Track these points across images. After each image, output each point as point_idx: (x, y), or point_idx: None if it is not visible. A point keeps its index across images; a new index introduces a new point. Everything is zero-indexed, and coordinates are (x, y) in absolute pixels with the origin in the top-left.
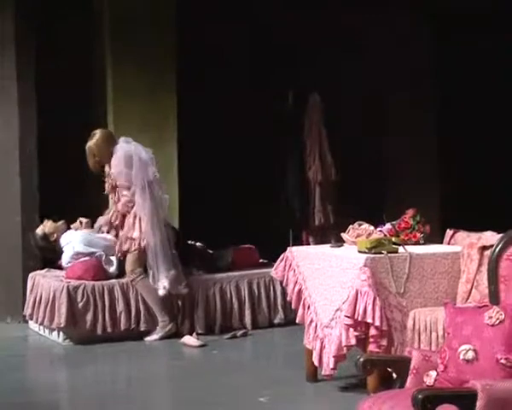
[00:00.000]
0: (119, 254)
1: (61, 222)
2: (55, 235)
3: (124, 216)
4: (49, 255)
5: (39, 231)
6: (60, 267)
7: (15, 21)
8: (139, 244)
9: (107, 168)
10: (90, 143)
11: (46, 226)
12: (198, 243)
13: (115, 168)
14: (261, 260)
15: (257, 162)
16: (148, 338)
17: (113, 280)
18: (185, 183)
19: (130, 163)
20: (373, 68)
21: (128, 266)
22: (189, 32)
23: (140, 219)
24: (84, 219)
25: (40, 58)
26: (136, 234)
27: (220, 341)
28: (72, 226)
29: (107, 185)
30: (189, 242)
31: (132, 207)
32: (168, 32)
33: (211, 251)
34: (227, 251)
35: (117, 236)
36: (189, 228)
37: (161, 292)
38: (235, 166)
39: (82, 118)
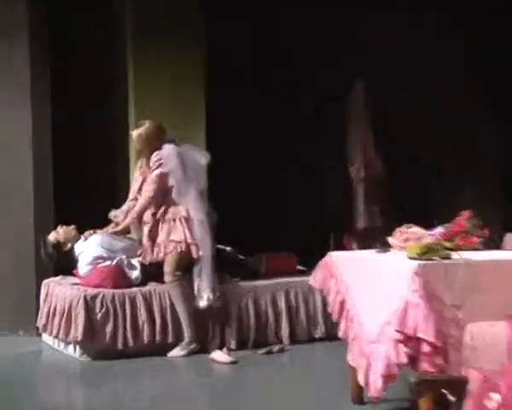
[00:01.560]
0: (153, 259)
1: (71, 227)
2: (69, 244)
3: (158, 221)
4: (60, 265)
5: (52, 237)
6: (76, 275)
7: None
8: (186, 248)
9: (140, 163)
10: (141, 130)
11: (59, 233)
12: (228, 248)
13: (166, 164)
14: (299, 268)
15: (292, 160)
16: (171, 354)
17: (135, 288)
18: (212, 182)
19: (183, 164)
20: (431, 64)
21: (168, 267)
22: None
23: (188, 224)
24: (99, 231)
25: (57, 54)
26: (181, 237)
27: (254, 357)
28: (84, 236)
29: (136, 184)
30: (219, 246)
31: (166, 210)
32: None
33: (242, 256)
34: (260, 257)
35: (152, 241)
36: (217, 232)
37: (203, 304)
38: (267, 164)
39: (100, 117)
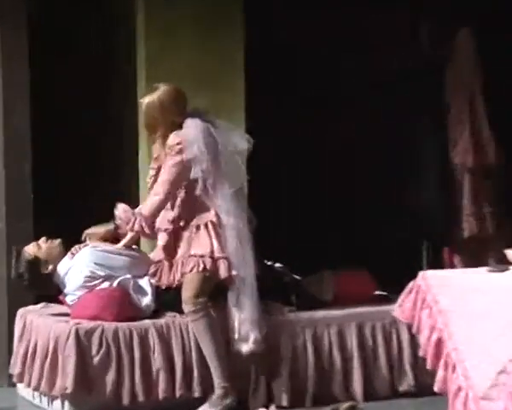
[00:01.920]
0: (169, 281)
1: (57, 242)
2: (50, 266)
3: (177, 228)
4: (37, 291)
5: (29, 251)
6: (62, 302)
7: None
8: (213, 264)
9: (157, 146)
10: (153, 97)
11: (41, 248)
12: (277, 265)
13: (188, 148)
14: (377, 292)
15: (362, 143)
16: None
17: (147, 321)
18: (255, 182)
19: (214, 148)
20: None
21: (187, 292)
22: None
23: (216, 231)
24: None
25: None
26: (206, 250)
27: None
28: (70, 252)
29: (151, 175)
30: (266, 262)
31: (189, 213)
32: None
33: (297, 277)
34: (324, 277)
35: (169, 256)
36: (258, 243)
37: (247, 348)
38: (331, 155)
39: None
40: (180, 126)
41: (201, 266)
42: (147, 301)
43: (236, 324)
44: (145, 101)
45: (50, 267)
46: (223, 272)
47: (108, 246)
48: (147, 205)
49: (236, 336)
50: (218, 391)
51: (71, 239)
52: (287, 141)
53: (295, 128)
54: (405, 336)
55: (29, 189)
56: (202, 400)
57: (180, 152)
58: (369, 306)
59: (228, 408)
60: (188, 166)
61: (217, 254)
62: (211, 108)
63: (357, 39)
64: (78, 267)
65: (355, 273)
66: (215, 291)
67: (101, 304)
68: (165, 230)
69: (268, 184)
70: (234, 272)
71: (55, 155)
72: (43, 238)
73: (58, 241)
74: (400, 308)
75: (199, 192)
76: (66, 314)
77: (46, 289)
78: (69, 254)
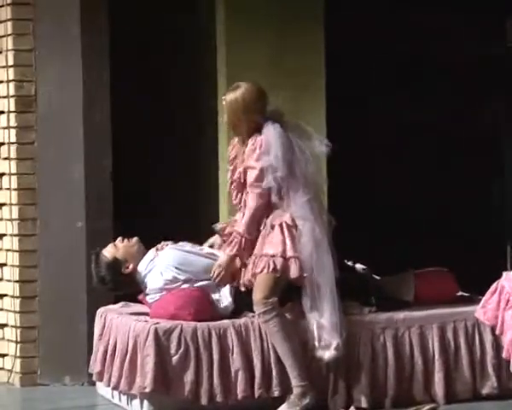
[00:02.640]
0: (244, 282)
1: (134, 240)
2: (130, 265)
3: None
4: (120, 291)
5: (107, 253)
6: (142, 302)
7: None
8: (284, 264)
9: (236, 145)
10: (236, 95)
11: (118, 249)
12: (358, 265)
13: (265, 155)
14: (460, 293)
15: (450, 146)
16: None
17: (226, 320)
18: (335, 182)
19: (289, 154)
20: None
21: (257, 293)
22: None
23: (290, 232)
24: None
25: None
26: (277, 249)
27: None
28: (156, 248)
29: (230, 176)
30: (347, 262)
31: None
32: None
33: (377, 277)
34: (405, 277)
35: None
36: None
37: (329, 355)
38: (412, 152)
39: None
40: (260, 127)
41: (272, 266)
42: (226, 301)
43: (315, 330)
44: (227, 98)
45: (131, 266)
46: (293, 272)
47: (192, 247)
48: (241, 225)
49: (317, 343)
50: (295, 391)
51: (151, 238)
52: (367, 140)
53: (376, 128)
54: (488, 338)
55: (109, 187)
56: (282, 400)
57: (260, 157)
58: (451, 307)
59: (306, 408)
60: (264, 173)
61: (288, 254)
62: (290, 107)
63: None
64: (158, 269)
65: (437, 273)
66: (290, 291)
67: (180, 304)
68: None
69: (348, 183)
70: (305, 274)
71: (136, 153)
72: (120, 238)
73: (135, 239)
74: (483, 309)
75: (274, 200)
76: (146, 314)
77: (128, 288)
78: (153, 249)
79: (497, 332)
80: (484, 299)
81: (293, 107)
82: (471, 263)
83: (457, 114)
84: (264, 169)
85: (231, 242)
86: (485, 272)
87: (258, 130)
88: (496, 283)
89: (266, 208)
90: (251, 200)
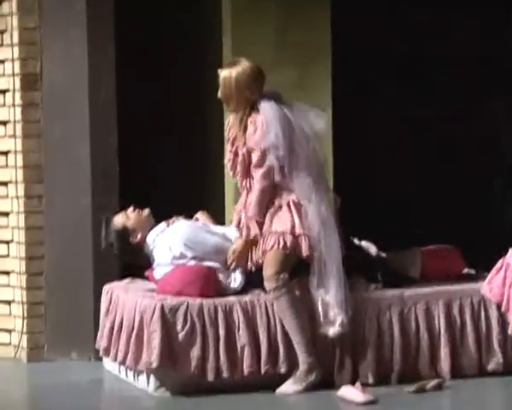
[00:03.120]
0: (253, 261)
1: (146, 212)
2: (140, 234)
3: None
4: (127, 260)
5: (118, 222)
6: (149, 278)
7: None
8: (294, 241)
9: (233, 123)
10: (232, 72)
11: (129, 218)
12: (364, 243)
13: (265, 135)
14: (466, 270)
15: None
16: (282, 389)
17: (233, 297)
18: (341, 158)
19: (288, 133)
20: None
21: (268, 269)
22: None
23: (298, 210)
24: (202, 215)
25: None
26: (286, 226)
27: (399, 396)
28: (166, 223)
29: (229, 158)
30: (353, 239)
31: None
32: None
33: (383, 253)
34: (412, 254)
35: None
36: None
37: (334, 331)
38: (419, 127)
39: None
40: (253, 105)
41: (282, 243)
42: (233, 278)
43: (321, 306)
44: (222, 74)
45: (139, 236)
46: (304, 250)
47: (205, 225)
48: (251, 208)
49: (322, 319)
50: (302, 367)
51: (157, 215)
52: (374, 115)
53: (382, 102)
54: (494, 314)
55: (115, 163)
56: (288, 376)
57: (261, 139)
58: (457, 283)
59: (312, 384)
60: (266, 154)
61: (298, 231)
62: (297, 82)
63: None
64: (167, 243)
65: (443, 250)
66: (298, 268)
67: (187, 280)
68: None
69: (354, 159)
70: (315, 252)
71: (141, 129)
72: (131, 208)
73: (147, 211)
74: (489, 286)
75: (277, 179)
76: (152, 290)
77: (136, 258)
78: (164, 223)
79: (503, 309)
80: (490, 276)
81: (299, 83)
82: (477, 240)
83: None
84: (266, 149)
85: (244, 226)
86: (490, 248)
87: (252, 108)
88: (502, 259)
89: (272, 188)
90: (256, 182)
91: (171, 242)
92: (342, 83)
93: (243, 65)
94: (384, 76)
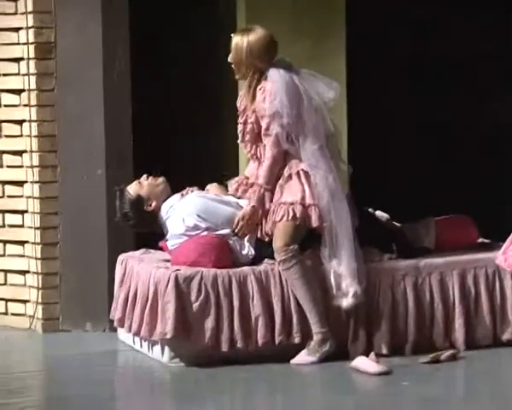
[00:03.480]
0: (263, 232)
1: (160, 179)
2: (154, 202)
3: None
4: (142, 229)
5: (131, 191)
6: (163, 248)
7: None
8: (303, 212)
9: (243, 95)
10: (244, 39)
11: (143, 186)
12: (378, 212)
13: (272, 102)
14: (480, 240)
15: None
16: (295, 360)
17: (247, 268)
18: (356, 128)
19: (295, 100)
20: None
21: (277, 241)
22: None
23: (308, 180)
24: (213, 186)
25: None
26: (296, 197)
27: (414, 366)
28: (182, 193)
29: (240, 129)
30: (365, 209)
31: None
32: None
33: (397, 224)
34: (426, 224)
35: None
36: (357, 190)
37: (347, 303)
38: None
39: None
40: (263, 73)
41: (291, 213)
42: (247, 249)
43: (333, 278)
44: (234, 39)
45: (153, 204)
46: (314, 220)
47: (218, 195)
48: (262, 176)
49: (335, 291)
50: (315, 337)
51: (171, 185)
52: (387, 86)
53: (399, 72)
54: (509, 284)
55: (129, 135)
56: (302, 346)
57: (268, 106)
58: (471, 253)
59: (326, 354)
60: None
61: (308, 202)
62: (311, 53)
63: None
64: (180, 215)
65: (457, 220)
66: (310, 238)
67: (201, 251)
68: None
69: (368, 130)
70: (325, 223)
71: (156, 102)
72: (145, 175)
73: (161, 179)
74: (504, 256)
75: (285, 147)
76: (166, 260)
77: (150, 226)
78: (178, 194)
79: None
80: (504, 245)
81: (315, 51)
82: (492, 210)
83: None
84: (270, 116)
85: (252, 193)
86: (506, 217)
87: (261, 76)
88: None
89: (283, 156)
90: (267, 150)
91: (184, 213)
92: (356, 54)
93: (257, 33)
94: (398, 47)
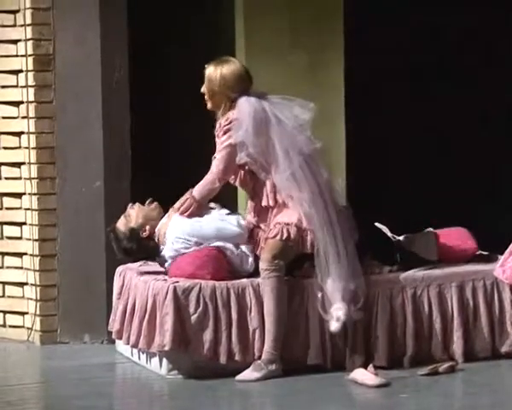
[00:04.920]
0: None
1: (147, 203)
2: (147, 226)
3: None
4: (144, 256)
5: (122, 227)
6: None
7: None
8: (298, 234)
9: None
10: (217, 71)
11: (131, 217)
12: (378, 224)
13: (237, 130)
14: (479, 252)
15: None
16: (240, 377)
17: (245, 280)
18: (353, 142)
19: (263, 128)
20: None
21: (265, 253)
22: None
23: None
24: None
25: None
26: (292, 219)
27: (412, 379)
28: (169, 214)
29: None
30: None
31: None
32: None
33: (396, 236)
34: (427, 236)
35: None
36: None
37: (335, 327)
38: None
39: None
40: (233, 103)
41: (285, 234)
42: (245, 260)
43: (322, 300)
44: (208, 71)
45: (147, 228)
46: (309, 245)
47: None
48: (199, 188)
49: (323, 313)
50: (264, 356)
51: (169, 197)
52: (386, 98)
53: (396, 86)
54: (507, 297)
55: (128, 146)
56: (300, 359)
57: (229, 134)
58: (469, 265)
59: (274, 374)
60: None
61: (304, 225)
62: (309, 65)
63: None
64: (169, 240)
65: (456, 232)
66: (295, 262)
67: (198, 263)
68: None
69: (366, 144)
70: (317, 247)
71: (154, 113)
72: (130, 205)
73: (148, 201)
74: (502, 268)
75: (261, 176)
76: (165, 273)
77: (152, 251)
78: (167, 215)
79: None
80: (503, 258)
81: (313, 61)
82: (490, 222)
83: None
84: (236, 145)
85: (184, 201)
86: (504, 230)
87: (231, 106)
88: None
89: (228, 176)
90: (213, 164)
91: (172, 238)
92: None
93: (231, 64)
94: (396, 56)
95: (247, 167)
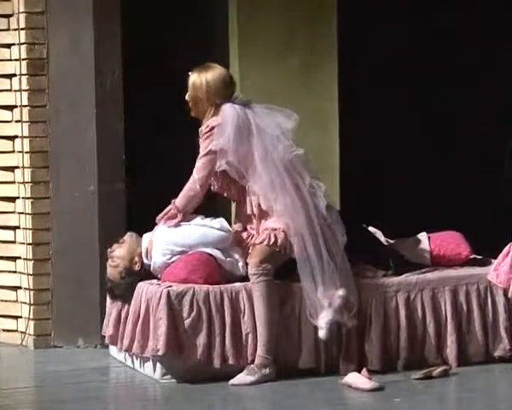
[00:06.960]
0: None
1: (126, 238)
2: (136, 258)
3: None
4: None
5: (116, 274)
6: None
7: None
8: (285, 239)
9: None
10: (201, 77)
11: (119, 260)
12: (371, 228)
13: (218, 137)
14: (472, 256)
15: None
16: (234, 381)
17: (238, 284)
18: (345, 139)
19: (245, 136)
20: None
21: (253, 258)
22: None
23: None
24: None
25: None
26: (280, 225)
27: (406, 383)
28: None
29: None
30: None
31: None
32: None
33: (389, 240)
34: (420, 240)
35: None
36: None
37: (323, 334)
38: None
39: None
40: (216, 110)
41: (273, 239)
42: (237, 265)
43: (310, 307)
44: (192, 78)
45: (137, 259)
46: (297, 250)
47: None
48: (180, 197)
49: (312, 319)
50: (257, 360)
51: (162, 199)
52: (380, 101)
53: (390, 88)
54: (501, 301)
55: (121, 150)
56: (295, 363)
57: (210, 140)
58: (463, 269)
59: (267, 378)
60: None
61: (292, 231)
62: (303, 68)
63: None
64: (156, 253)
65: (449, 236)
66: (283, 267)
67: (190, 268)
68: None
69: (360, 147)
70: (305, 252)
71: (148, 116)
72: (108, 250)
73: (127, 236)
74: (496, 272)
75: (242, 183)
76: (157, 278)
77: (149, 275)
78: (148, 234)
79: (510, 295)
80: (496, 262)
81: (307, 63)
82: (484, 226)
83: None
84: (216, 152)
85: (167, 211)
86: (497, 233)
87: (215, 113)
88: (508, 245)
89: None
90: (194, 172)
91: (159, 249)
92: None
93: (215, 71)
94: (391, 58)
95: (227, 174)
